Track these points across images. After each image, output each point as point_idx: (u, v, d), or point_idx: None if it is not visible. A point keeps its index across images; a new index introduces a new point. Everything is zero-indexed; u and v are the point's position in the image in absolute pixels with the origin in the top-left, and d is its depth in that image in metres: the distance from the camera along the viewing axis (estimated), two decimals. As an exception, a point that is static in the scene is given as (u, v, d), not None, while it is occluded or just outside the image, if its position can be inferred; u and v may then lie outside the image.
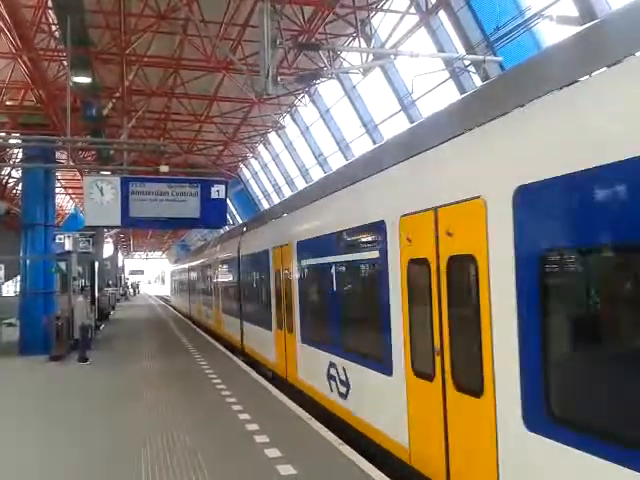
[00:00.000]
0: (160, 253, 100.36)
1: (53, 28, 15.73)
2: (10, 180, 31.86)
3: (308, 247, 10.13)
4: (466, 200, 5.18)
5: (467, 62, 14.06)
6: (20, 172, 24.42)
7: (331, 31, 17.28)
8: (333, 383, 8.77)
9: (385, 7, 16.42)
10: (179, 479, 6.49)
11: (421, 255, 6.03)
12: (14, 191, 32.60)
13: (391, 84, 18.21)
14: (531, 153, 4.49)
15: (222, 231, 25.64)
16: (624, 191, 3.58)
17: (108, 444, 8.02)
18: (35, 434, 8.75)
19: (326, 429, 8.27)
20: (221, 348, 17.99)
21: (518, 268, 4.50)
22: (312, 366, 9.87)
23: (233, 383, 11.99)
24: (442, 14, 14.92)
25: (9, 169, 29.60)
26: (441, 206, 5.62)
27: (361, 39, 17.18)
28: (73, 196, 41.77)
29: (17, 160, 25.42)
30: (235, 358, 15.66)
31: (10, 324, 20.19)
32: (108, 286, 44.36)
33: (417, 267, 6.13)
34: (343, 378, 8.33)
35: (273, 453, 7.24)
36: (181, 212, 13.07)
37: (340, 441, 7.66)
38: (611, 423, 3.62)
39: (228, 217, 30.19)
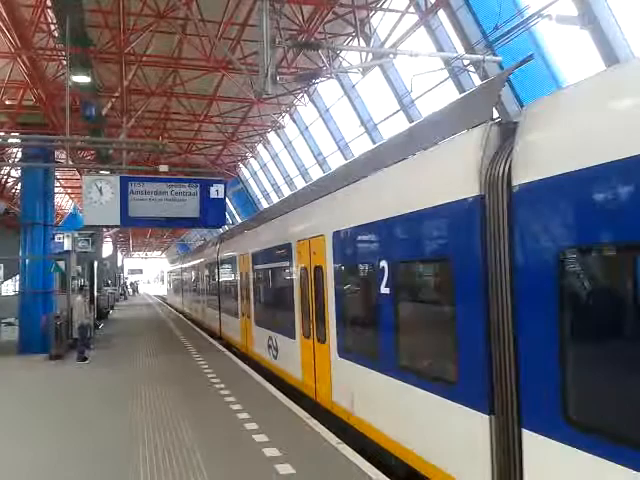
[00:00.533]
0: (159, 252, 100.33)
1: (52, 27, 15.72)
2: (9, 179, 31.87)
3: (257, 256, 14.35)
4: (319, 236, 9.31)
5: (466, 62, 14.06)
6: (19, 171, 24.41)
7: (330, 30, 17.28)
8: (270, 350, 12.91)
9: (384, 6, 16.41)
10: (177, 476, 6.52)
11: (304, 265, 10.18)
12: (13, 190, 32.61)
13: (390, 83, 18.21)
14: (335, 216, 8.96)
15: (221, 231, 25.98)
16: (364, 239, 7.79)
17: (106, 442, 8.03)
18: (32, 433, 8.76)
19: (322, 426, 8.32)
20: (220, 347, 18.00)
21: (334, 273, 8.65)
22: (260, 340, 13.92)
23: (232, 383, 12.02)
24: (441, 13, 14.93)
25: (8, 168, 29.58)
26: (310, 238, 9.78)
27: (360, 38, 17.18)
28: (72, 196, 41.74)
29: (16, 160, 25.40)
30: (234, 357, 15.67)
31: (9, 323, 20.18)
32: (107, 285, 44.31)
33: (303, 272, 10.30)
34: (275, 345, 12.52)
35: (272, 452, 7.27)
36: (180, 212, 13.10)
37: (338, 440, 7.69)
38: (360, 349, 7.84)
39: (227, 217, 30.35)
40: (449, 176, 5.69)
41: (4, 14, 13.22)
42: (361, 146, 21.41)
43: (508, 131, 5.12)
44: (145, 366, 14.87)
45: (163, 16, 16.23)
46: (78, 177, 29.04)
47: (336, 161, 23.92)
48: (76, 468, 7.08)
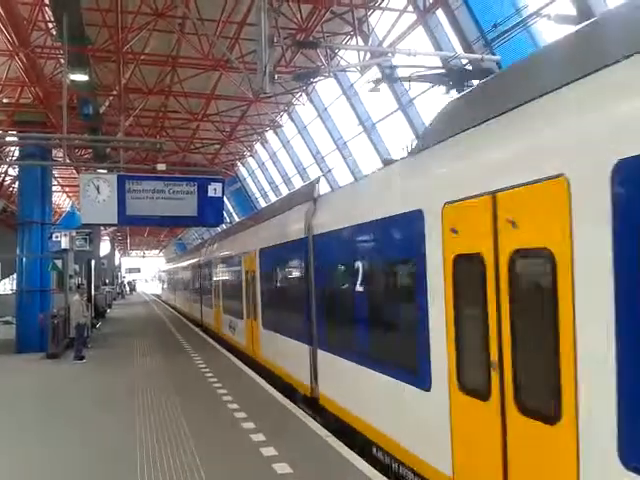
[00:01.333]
0: (157, 251, 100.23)
1: (50, 25, 15.69)
2: (7, 178, 31.80)
3: (223, 262, 19.77)
4: (252, 251, 14.14)
5: (465, 61, 14.04)
6: (17, 170, 24.36)
7: (328, 29, 17.25)
8: (231, 329, 17.80)
9: (382, 5, 16.40)
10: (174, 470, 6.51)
11: (247, 270, 14.91)
12: (11, 189, 32.54)
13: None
14: (258, 240, 13.92)
15: (218, 229, 26.22)
16: (268, 256, 13.08)
17: (103, 441, 8.03)
18: (28, 431, 8.75)
19: (316, 423, 8.31)
20: (217, 346, 18.02)
21: (260, 275, 13.47)
22: (226, 323, 18.71)
23: (228, 380, 12.07)
24: (440, 12, 14.90)
25: (6, 167, 29.52)
26: (250, 251, 14.46)
27: (358, 37, 17.15)
28: (70, 194, 41.68)
29: (14, 158, 25.35)
30: (229, 355, 15.69)
31: (7, 322, 20.13)
32: (105, 284, 44.24)
33: (246, 275, 15.03)
34: (233, 326, 17.31)
35: (269, 451, 7.26)
36: (178, 210, 13.06)
37: (334, 438, 7.69)
38: (269, 322, 12.83)
39: (225, 216, 30.27)
40: (296, 226, 10.60)
41: (2, 12, 13.19)
42: (359, 145, 21.46)
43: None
44: (142, 365, 14.86)
45: (161, 14, 16.21)
46: (76, 175, 28.96)
47: (334, 160, 23.97)
48: (71, 467, 7.08)
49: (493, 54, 13.39)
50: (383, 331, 7.23)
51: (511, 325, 4.49)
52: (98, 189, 12.37)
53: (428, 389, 5.65)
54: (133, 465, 6.95)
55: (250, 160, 35.44)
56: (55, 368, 15.03)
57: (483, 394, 4.75)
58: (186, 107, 23.49)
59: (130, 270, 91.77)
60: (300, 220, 10.24)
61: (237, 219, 37.69)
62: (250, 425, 8.57)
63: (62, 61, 15.63)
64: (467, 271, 5.16)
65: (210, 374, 13.02)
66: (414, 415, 6.04)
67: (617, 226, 3.49)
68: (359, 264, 7.54)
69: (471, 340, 5.09)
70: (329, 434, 7.91)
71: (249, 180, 37.70)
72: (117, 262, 74.18)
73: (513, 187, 4.48)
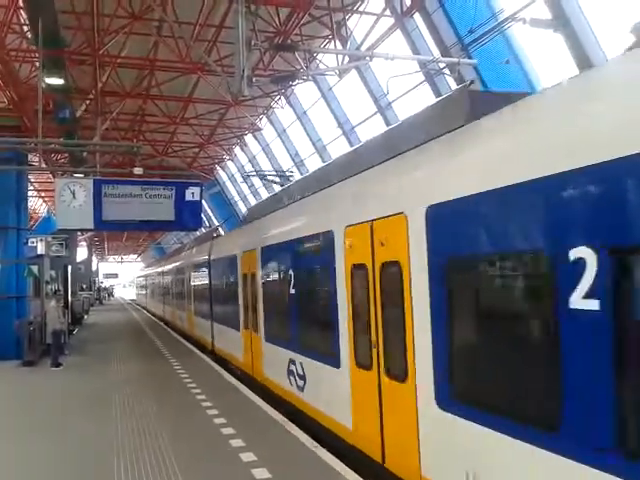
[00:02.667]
0: (136, 256, 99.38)
1: (25, 28, 15.48)
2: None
3: (177, 271, 26.54)
4: (189, 264, 23.03)
5: (442, 64, 14.12)
6: (-9, 174, 23.96)
7: (307, 33, 17.27)
8: (180, 320, 25.42)
9: (360, 9, 16.44)
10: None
11: (188, 276, 23.15)
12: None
13: (367, 86, 18.23)
14: (193, 256, 22.72)
15: (198, 233, 26.30)
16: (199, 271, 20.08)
17: (79, 450, 7.90)
18: (3, 440, 8.59)
19: (299, 430, 8.27)
20: (196, 351, 17.91)
21: (192, 280, 22.32)
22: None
23: (203, 383, 11.96)
24: (417, 17, 14.98)
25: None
26: (188, 264, 23.38)
27: (337, 41, 17.19)
28: (46, 199, 41.18)
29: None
30: (206, 359, 15.61)
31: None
32: (82, 290, 43.72)
33: (187, 280, 23.26)
34: (181, 317, 25.08)
35: (248, 456, 7.20)
36: (155, 215, 12.97)
37: (315, 443, 7.65)
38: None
39: (204, 219, 30.15)
40: (204, 252, 18.97)
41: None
42: (338, 148, 21.45)
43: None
44: (119, 371, 14.69)
45: (138, 17, 16.08)
46: (52, 180, 28.61)
47: (314, 163, 23.94)
48: (46, 467, 6.97)
49: (470, 58, 13.49)
50: (231, 307, 14.21)
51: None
52: (74, 194, 12.23)
53: (239, 330, 13.27)
54: (110, 464, 6.88)
55: (229, 164, 35.30)
56: (31, 376, 14.80)
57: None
58: (164, 110, 23.35)
59: (108, 275, 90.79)
60: (206, 250, 18.57)
61: (217, 223, 37.56)
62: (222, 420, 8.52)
63: (37, 64, 15.44)
64: (247, 282, 12.47)
65: (185, 375, 12.93)
66: (236, 342, 13.54)
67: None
68: (223, 276, 15.63)
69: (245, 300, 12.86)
70: (316, 444, 7.77)
71: (228, 184, 37.54)
72: (94, 267, 73.37)
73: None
